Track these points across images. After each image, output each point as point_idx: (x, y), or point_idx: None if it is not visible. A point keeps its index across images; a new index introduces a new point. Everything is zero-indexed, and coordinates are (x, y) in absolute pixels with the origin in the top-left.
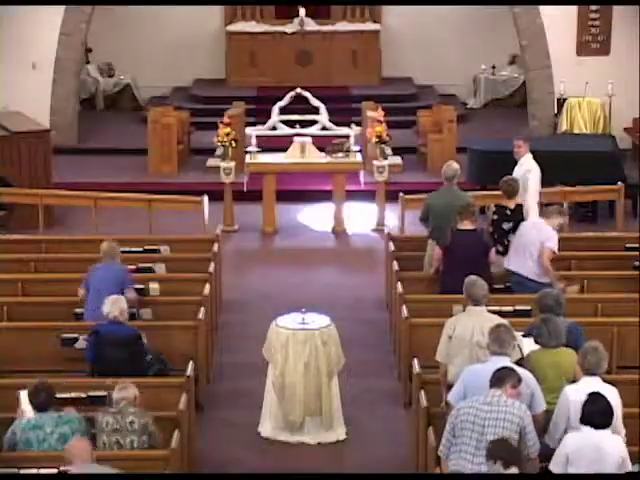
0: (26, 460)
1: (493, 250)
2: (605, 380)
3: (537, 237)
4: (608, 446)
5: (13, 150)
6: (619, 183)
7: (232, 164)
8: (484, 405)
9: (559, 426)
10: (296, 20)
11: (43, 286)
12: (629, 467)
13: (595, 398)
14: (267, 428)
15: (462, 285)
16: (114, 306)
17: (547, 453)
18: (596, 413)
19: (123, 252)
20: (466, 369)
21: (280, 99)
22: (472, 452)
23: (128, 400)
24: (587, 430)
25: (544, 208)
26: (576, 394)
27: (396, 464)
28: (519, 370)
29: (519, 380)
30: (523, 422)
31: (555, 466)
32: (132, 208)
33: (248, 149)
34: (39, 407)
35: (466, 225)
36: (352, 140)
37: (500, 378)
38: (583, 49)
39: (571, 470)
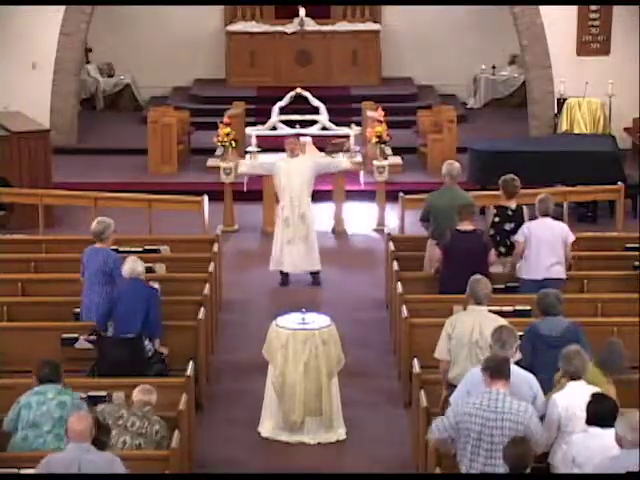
0: (26, 460)
1: (493, 251)
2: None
3: (559, 235)
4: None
5: (13, 150)
6: (619, 183)
7: (232, 164)
8: (490, 413)
9: (551, 433)
10: (296, 20)
11: (43, 286)
12: None
13: (599, 398)
14: (267, 428)
15: (462, 286)
16: (135, 263)
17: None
18: (603, 412)
19: (123, 252)
20: (470, 371)
21: (280, 99)
22: (470, 457)
23: (151, 406)
24: (594, 430)
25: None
26: (564, 400)
27: (396, 464)
28: (520, 372)
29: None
30: (529, 428)
31: (561, 467)
32: (132, 208)
33: (248, 149)
34: (42, 379)
35: (465, 225)
36: (352, 140)
37: (502, 371)
38: (583, 49)
39: (576, 471)
